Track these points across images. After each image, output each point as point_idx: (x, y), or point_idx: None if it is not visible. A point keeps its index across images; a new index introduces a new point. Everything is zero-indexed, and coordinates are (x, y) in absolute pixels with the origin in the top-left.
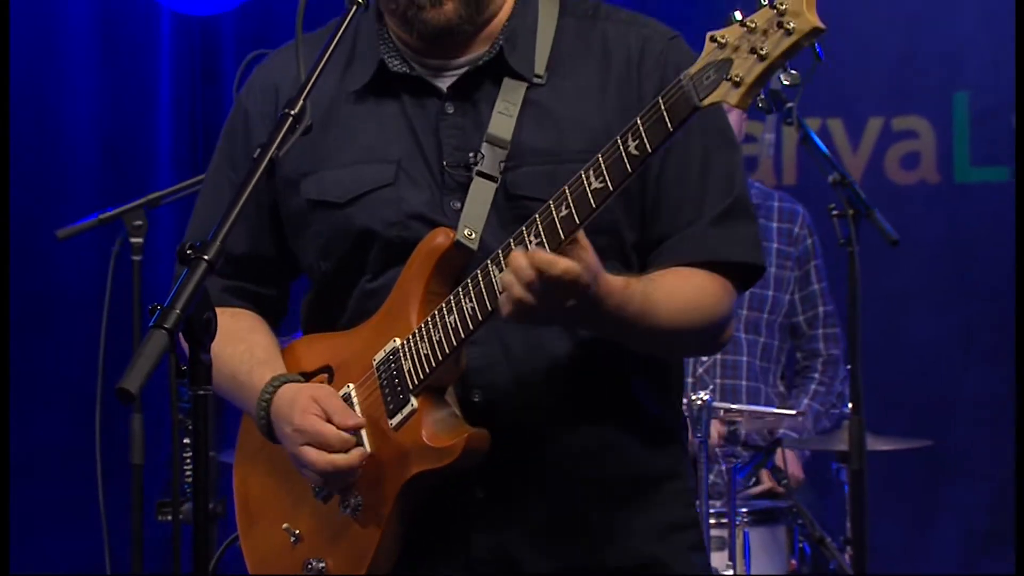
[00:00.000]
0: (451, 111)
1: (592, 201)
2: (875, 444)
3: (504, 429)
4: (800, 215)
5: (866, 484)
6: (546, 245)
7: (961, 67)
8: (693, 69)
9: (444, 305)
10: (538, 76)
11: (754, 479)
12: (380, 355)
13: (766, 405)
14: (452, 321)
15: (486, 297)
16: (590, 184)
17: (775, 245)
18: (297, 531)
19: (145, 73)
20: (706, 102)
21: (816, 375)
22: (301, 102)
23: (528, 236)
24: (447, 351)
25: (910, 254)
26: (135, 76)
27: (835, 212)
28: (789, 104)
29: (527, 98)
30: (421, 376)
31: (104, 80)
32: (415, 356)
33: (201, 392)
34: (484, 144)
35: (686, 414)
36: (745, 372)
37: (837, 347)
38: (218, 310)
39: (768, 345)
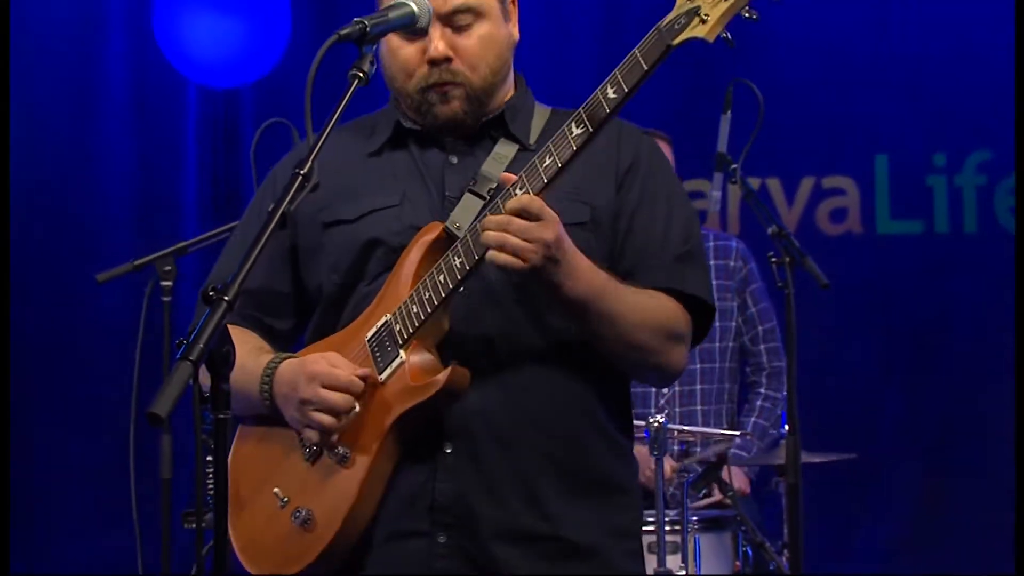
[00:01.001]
0: (455, 161)
1: (573, 144)
2: (808, 458)
3: (477, 394)
4: (733, 248)
5: (801, 495)
6: (530, 192)
7: (881, 133)
8: (666, 20)
9: (434, 269)
10: (530, 145)
11: (705, 491)
12: (371, 331)
13: (720, 424)
14: (442, 279)
15: (473, 250)
16: (572, 133)
17: (715, 281)
18: (286, 496)
19: (174, 138)
20: (677, 40)
21: (762, 390)
22: (310, 163)
23: (513, 191)
24: (436, 304)
25: (839, 295)
26: (165, 140)
27: (774, 259)
28: (734, 166)
29: (517, 156)
30: (410, 330)
31: (139, 144)
32: (405, 317)
33: (221, 416)
34: (479, 177)
35: (645, 435)
36: (700, 399)
37: (779, 359)
38: (233, 327)
39: (722, 369)
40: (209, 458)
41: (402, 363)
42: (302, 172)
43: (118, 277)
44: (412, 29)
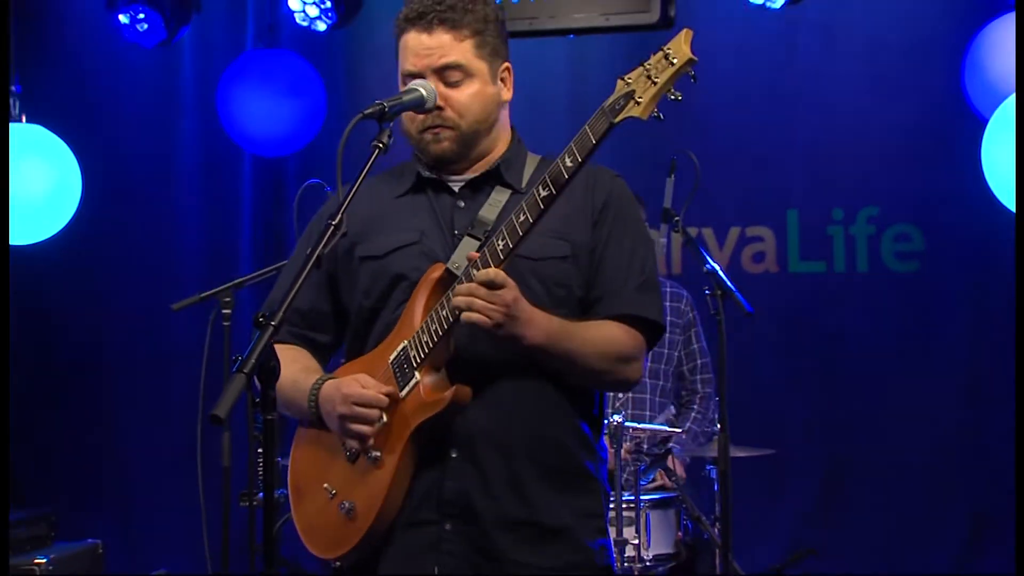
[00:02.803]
0: (462, 205)
1: (540, 204)
2: (735, 452)
3: (477, 410)
4: (684, 297)
5: (730, 480)
6: (509, 243)
7: (792, 193)
8: (608, 101)
9: (438, 305)
10: (521, 189)
11: (652, 476)
12: (393, 355)
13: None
14: (444, 314)
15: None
16: (539, 194)
17: (668, 318)
18: (334, 490)
19: (233, 196)
20: (619, 118)
21: (695, 407)
22: (340, 215)
23: (496, 241)
24: (441, 335)
25: (759, 322)
26: (226, 197)
27: (708, 293)
28: (676, 218)
29: (510, 199)
30: (423, 355)
31: (205, 201)
32: (418, 344)
33: (269, 417)
34: (476, 222)
35: (604, 432)
36: (648, 406)
37: (710, 386)
38: (286, 346)
39: (664, 387)
40: (260, 450)
41: (417, 383)
42: (334, 223)
43: (189, 306)
44: (421, 109)
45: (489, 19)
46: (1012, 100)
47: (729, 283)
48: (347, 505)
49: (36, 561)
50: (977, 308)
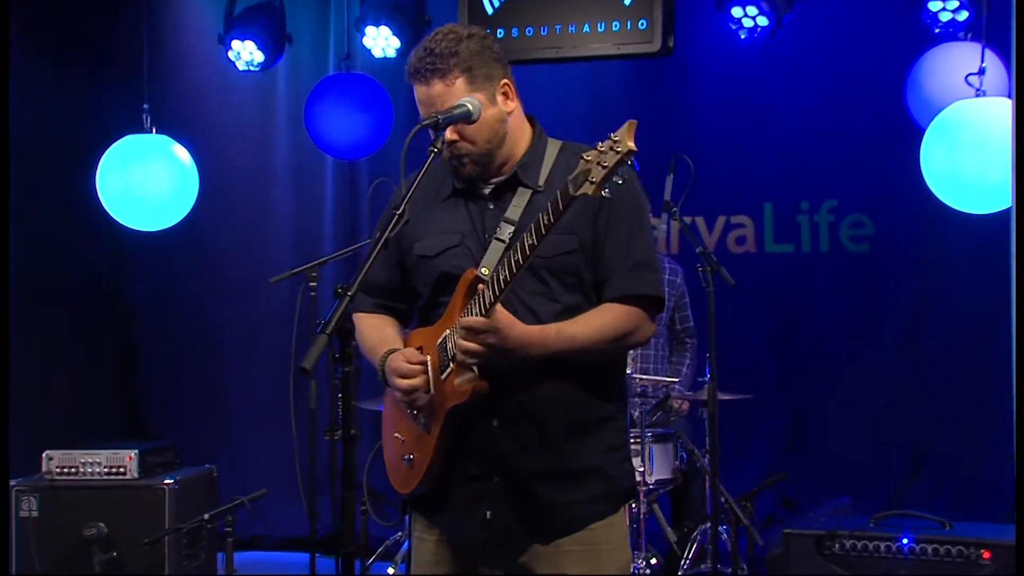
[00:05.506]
0: (491, 207)
1: (528, 251)
2: (722, 396)
3: (511, 386)
4: (679, 271)
5: (717, 419)
6: (521, 260)
7: (767, 188)
8: (573, 175)
9: (467, 307)
10: (539, 188)
11: (658, 414)
12: (440, 339)
13: (662, 374)
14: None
15: (484, 302)
16: (526, 241)
17: (665, 288)
18: (403, 438)
19: (318, 191)
20: (578, 193)
21: (688, 352)
22: (403, 207)
23: (499, 271)
24: None
25: (741, 292)
26: (312, 192)
27: (700, 268)
28: (675, 209)
29: (531, 199)
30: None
31: (296, 196)
32: (453, 338)
33: (346, 369)
34: (502, 222)
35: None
36: (652, 359)
37: (695, 338)
38: (370, 315)
39: (663, 342)
40: (339, 395)
41: (451, 370)
42: (398, 212)
43: (283, 280)
44: (469, 120)
45: (474, 52)
46: (944, 113)
47: (717, 261)
48: (408, 457)
49: (165, 482)
50: (916, 281)
